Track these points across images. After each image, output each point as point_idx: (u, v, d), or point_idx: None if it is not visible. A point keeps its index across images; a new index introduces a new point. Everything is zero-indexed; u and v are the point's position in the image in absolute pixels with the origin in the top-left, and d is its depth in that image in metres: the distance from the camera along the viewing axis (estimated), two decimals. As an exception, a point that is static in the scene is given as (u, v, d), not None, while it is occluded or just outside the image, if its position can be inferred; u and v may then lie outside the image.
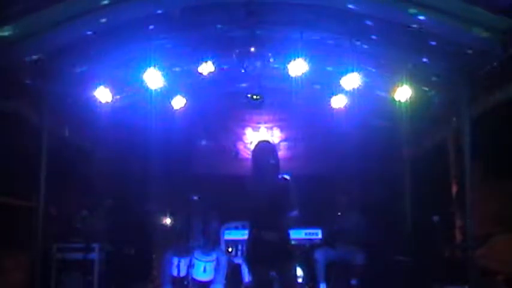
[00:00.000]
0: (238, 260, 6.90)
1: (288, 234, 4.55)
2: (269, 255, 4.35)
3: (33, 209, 6.05)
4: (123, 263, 7.17)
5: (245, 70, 6.63)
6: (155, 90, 6.39)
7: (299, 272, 6.57)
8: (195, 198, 7.06)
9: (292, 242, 5.00)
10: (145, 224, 8.03)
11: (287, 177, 4.55)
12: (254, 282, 4.56)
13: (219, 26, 6.17)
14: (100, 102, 6.52)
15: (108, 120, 7.02)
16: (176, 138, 8.37)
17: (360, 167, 8.30)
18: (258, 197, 4.41)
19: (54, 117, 6.37)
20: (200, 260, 6.47)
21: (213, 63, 6.40)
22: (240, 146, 8.98)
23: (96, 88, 6.44)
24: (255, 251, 4.47)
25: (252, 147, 4.65)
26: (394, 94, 6.62)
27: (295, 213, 4.48)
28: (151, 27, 5.75)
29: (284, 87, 7.37)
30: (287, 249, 4.52)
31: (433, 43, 5.72)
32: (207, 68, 6.39)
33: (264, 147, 4.65)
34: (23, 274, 5.90)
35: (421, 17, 5.33)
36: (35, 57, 5.59)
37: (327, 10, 5.71)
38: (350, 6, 5.58)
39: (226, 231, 7.08)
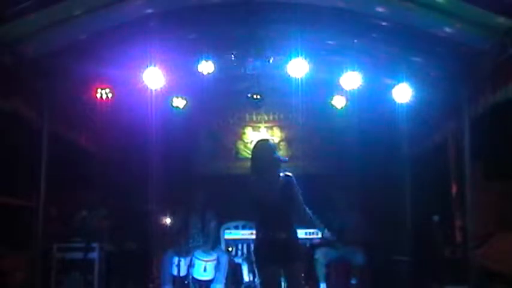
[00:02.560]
0: (239, 260, 6.90)
1: (295, 233, 4.55)
2: (277, 254, 4.34)
3: (33, 209, 6.05)
4: (123, 263, 7.18)
5: (245, 70, 6.64)
6: (155, 90, 6.39)
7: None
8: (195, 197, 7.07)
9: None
10: (145, 224, 8.03)
11: (289, 173, 4.55)
12: (262, 281, 4.55)
13: (219, 25, 6.16)
14: (100, 101, 6.52)
15: (108, 120, 7.02)
16: (176, 138, 8.37)
17: (360, 167, 8.30)
18: (263, 196, 4.41)
19: (54, 117, 6.37)
20: (200, 260, 6.47)
21: (213, 62, 6.40)
22: (240, 146, 8.98)
23: (96, 88, 6.44)
24: (263, 251, 4.47)
25: (252, 146, 4.65)
26: (394, 94, 6.62)
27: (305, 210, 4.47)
28: (151, 26, 5.75)
29: (284, 87, 7.37)
30: (295, 248, 4.50)
31: (433, 43, 5.72)
32: (207, 67, 6.39)
33: (264, 146, 4.65)
34: (23, 274, 5.90)
35: (421, 17, 5.34)
36: (35, 56, 5.60)
37: (327, 9, 5.71)
38: (350, 5, 5.59)
39: (226, 231, 7.07)
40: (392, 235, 7.43)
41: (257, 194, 4.43)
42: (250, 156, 4.71)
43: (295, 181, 4.50)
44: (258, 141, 4.77)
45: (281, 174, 4.49)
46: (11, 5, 4.72)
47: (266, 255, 4.42)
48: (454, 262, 6.32)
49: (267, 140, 4.91)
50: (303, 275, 4.78)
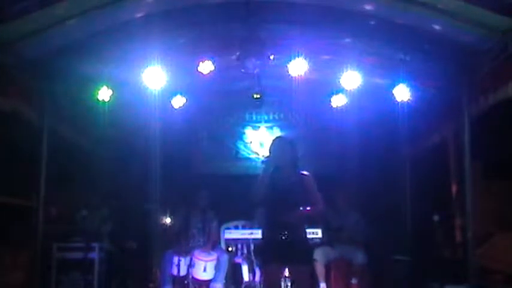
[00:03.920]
0: (239, 260, 6.91)
1: (304, 232, 4.51)
2: (283, 253, 4.30)
3: (33, 209, 6.05)
4: (123, 263, 7.18)
5: (245, 69, 6.62)
6: (155, 89, 6.38)
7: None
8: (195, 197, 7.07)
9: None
10: (145, 224, 8.03)
11: (306, 173, 4.52)
12: (265, 281, 4.52)
13: (219, 25, 6.16)
14: (100, 101, 6.51)
15: (108, 120, 7.02)
16: (176, 138, 8.38)
17: (360, 166, 8.30)
18: (274, 194, 4.38)
19: (54, 117, 6.37)
20: (200, 260, 6.48)
21: (213, 62, 6.39)
22: (240, 146, 8.98)
23: (96, 87, 6.43)
24: (269, 250, 4.43)
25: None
26: (393, 94, 6.62)
27: (317, 208, 4.45)
28: (151, 26, 5.74)
29: (284, 86, 7.37)
30: (302, 249, 4.46)
31: (433, 42, 5.72)
32: (207, 67, 6.39)
33: (280, 143, 4.63)
34: (23, 273, 5.90)
35: (421, 17, 5.33)
36: (35, 56, 5.59)
37: (327, 9, 5.70)
38: (350, 5, 5.59)
39: (227, 231, 7.08)
40: (392, 235, 7.43)
41: (268, 190, 4.41)
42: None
43: (311, 180, 4.48)
44: (275, 138, 4.78)
45: (298, 172, 4.47)
46: (11, 5, 4.71)
47: (270, 254, 4.38)
48: (454, 262, 6.31)
49: (281, 138, 4.88)
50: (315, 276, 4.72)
